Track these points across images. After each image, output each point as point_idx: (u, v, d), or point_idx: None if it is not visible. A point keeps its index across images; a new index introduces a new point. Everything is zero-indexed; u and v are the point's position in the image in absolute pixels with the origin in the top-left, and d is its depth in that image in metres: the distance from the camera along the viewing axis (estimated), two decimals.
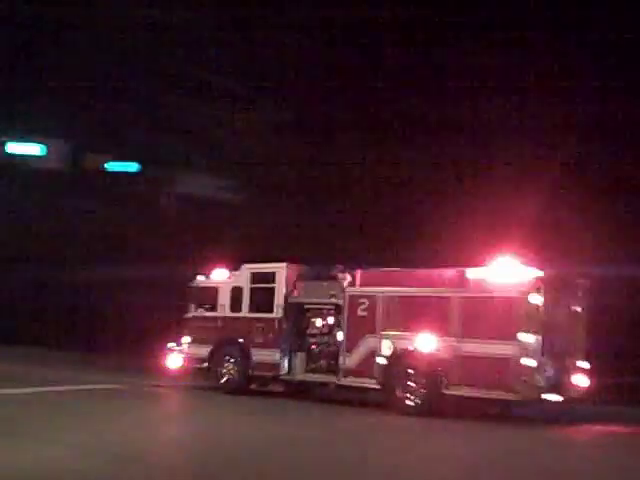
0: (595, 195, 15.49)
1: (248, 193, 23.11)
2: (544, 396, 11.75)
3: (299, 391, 14.82)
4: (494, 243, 12.25)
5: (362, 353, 13.07)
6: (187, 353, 15.67)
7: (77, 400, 12.87)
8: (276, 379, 14.46)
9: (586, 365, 12.58)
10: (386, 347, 12.75)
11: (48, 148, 18.27)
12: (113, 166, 19.70)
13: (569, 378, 12.30)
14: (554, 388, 11.93)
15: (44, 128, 20.30)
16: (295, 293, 14.44)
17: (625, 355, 15.01)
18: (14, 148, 18.13)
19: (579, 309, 12.65)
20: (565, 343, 12.40)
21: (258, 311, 14.77)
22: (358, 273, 13.61)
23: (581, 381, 12.43)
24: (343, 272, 13.70)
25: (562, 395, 11.98)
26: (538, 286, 11.64)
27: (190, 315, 15.90)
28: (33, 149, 18.16)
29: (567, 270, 12.97)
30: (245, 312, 15.00)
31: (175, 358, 15.89)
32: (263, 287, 14.83)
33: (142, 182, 22.05)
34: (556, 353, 12.07)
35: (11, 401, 11.99)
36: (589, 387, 12.54)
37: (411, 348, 12.44)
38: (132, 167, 19.66)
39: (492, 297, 11.78)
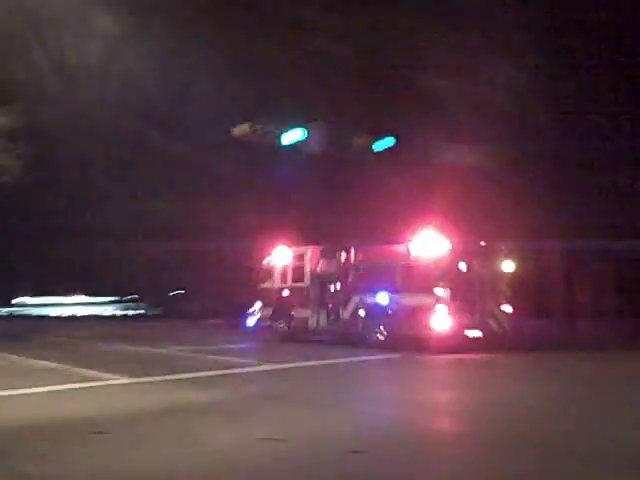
0: (513, 175, 18.64)
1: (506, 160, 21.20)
2: (466, 332, 16.03)
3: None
4: (424, 220, 16.55)
5: (351, 308, 18.10)
6: (259, 315, 21.68)
7: (359, 371, 13.35)
8: (308, 331, 19.88)
9: (509, 309, 16.53)
10: (363, 303, 17.69)
11: (308, 132, 18.45)
12: (378, 144, 19.41)
13: (492, 319, 16.39)
14: (476, 326, 16.12)
15: (304, 112, 20.83)
16: (317, 268, 19.77)
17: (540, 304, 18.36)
18: (288, 137, 18.48)
19: (501, 269, 16.60)
20: (488, 294, 16.45)
21: (296, 282, 20.30)
22: (351, 250, 18.61)
23: (503, 321, 16.44)
24: (340, 251, 18.78)
25: (483, 332, 16.13)
26: (449, 253, 15.93)
27: (261, 286, 21.84)
28: (297, 134, 18.43)
29: (484, 240, 16.84)
30: (289, 283, 20.60)
31: (252, 319, 22.00)
32: (298, 264, 20.34)
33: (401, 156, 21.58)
34: (476, 301, 16.22)
35: (309, 374, 12.76)
36: (511, 325, 16.47)
37: (377, 302, 17.26)
38: (390, 142, 19.35)
39: (419, 263, 16.26)
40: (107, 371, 12.11)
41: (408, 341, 16.53)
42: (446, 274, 15.91)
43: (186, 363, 13.83)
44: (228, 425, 7.60)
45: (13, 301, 58.29)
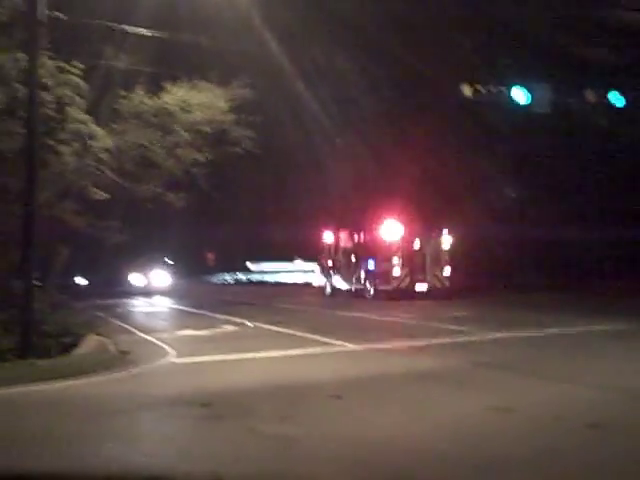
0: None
1: None
2: (416, 287, 24.57)
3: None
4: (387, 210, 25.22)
5: (360, 273, 27.12)
6: (317, 278, 31.33)
7: (586, 341, 12.29)
8: (340, 289, 29.05)
9: (447, 272, 24.76)
10: (364, 268, 26.69)
11: (533, 93, 18.23)
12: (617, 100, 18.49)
13: (436, 278, 24.73)
14: (423, 282, 24.59)
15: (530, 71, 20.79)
16: (346, 245, 28.93)
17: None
18: (515, 96, 18.28)
19: (442, 243, 24.88)
20: (434, 261, 24.77)
21: (335, 254, 29.59)
22: (360, 232, 27.65)
23: (444, 280, 24.73)
24: (354, 232, 27.89)
25: (429, 286, 24.56)
26: (401, 234, 24.55)
27: (319, 257, 31.34)
28: (522, 97, 18.32)
29: (428, 224, 25.11)
30: (332, 256, 29.93)
31: (314, 281, 31.74)
32: (336, 242, 29.61)
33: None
34: (424, 266, 24.65)
35: (532, 343, 12.22)
36: (449, 284, 24.71)
37: (369, 268, 26.19)
38: (620, 101, 18.44)
39: (385, 241, 25.03)
40: (336, 338, 12.39)
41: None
42: (401, 248, 24.61)
43: (413, 331, 13.96)
44: (455, 393, 7.65)
45: (250, 267, 59.06)
